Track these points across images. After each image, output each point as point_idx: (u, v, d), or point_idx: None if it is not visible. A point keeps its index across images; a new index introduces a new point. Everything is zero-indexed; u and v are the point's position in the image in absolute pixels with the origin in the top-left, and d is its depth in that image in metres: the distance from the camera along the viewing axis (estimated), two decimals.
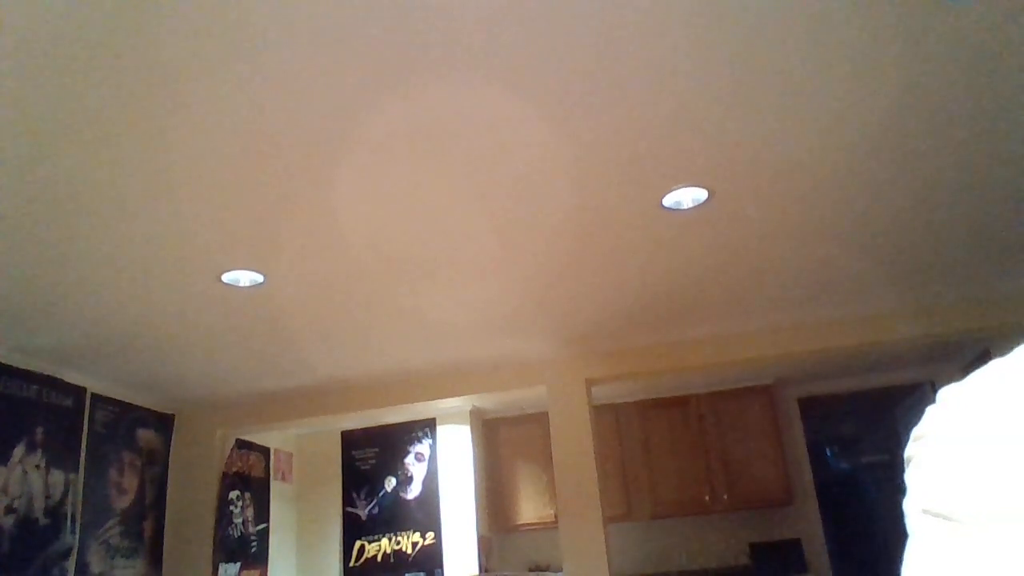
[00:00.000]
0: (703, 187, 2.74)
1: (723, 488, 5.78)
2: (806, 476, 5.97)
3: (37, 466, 3.85)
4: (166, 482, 4.92)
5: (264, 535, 5.58)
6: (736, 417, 5.93)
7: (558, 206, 2.81)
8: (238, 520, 5.25)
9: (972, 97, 2.31)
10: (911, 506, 0.52)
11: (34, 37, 1.75)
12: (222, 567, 4.96)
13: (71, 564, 4.02)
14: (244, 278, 3.17)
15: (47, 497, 3.90)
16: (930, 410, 0.54)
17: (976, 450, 0.48)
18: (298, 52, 1.87)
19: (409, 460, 5.87)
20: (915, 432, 0.54)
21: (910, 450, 0.54)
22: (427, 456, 5.84)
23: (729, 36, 1.95)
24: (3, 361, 3.73)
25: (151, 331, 3.69)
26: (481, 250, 3.13)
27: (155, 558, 4.73)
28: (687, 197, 2.80)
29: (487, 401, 5.65)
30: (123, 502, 4.50)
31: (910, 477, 0.53)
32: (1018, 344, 0.55)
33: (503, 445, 6.12)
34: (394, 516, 5.78)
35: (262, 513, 5.59)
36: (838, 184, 2.80)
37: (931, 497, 0.50)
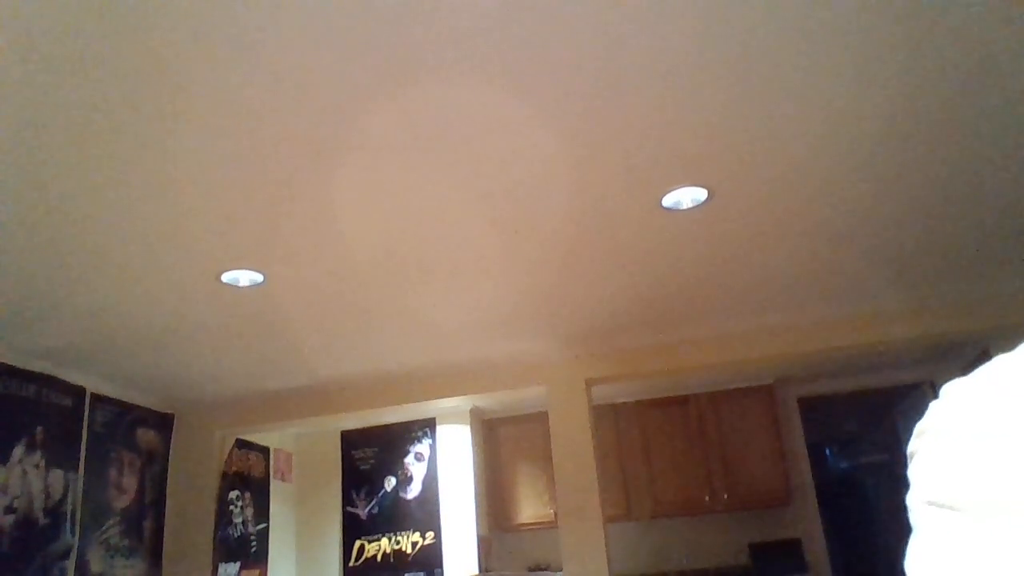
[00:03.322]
0: (703, 187, 2.74)
1: (723, 488, 5.78)
2: (806, 476, 5.96)
3: (37, 466, 3.85)
4: (166, 482, 4.92)
5: (264, 535, 5.58)
6: (736, 417, 5.93)
7: (558, 206, 2.81)
8: (238, 520, 5.25)
9: (972, 98, 2.31)
10: (915, 499, 0.52)
11: (33, 36, 1.74)
12: (222, 567, 4.96)
13: (71, 564, 4.02)
14: (244, 278, 3.17)
15: (47, 497, 3.89)
16: (934, 405, 0.54)
17: (980, 443, 0.48)
18: (299, 52, 1.87)
19: (409, 460, 5.87)
20: (918, 427, 0.54)
21: (913, 445, 0.54)
22: (427, 456, 5.84)
23: (730, 36, 1.95)
24: (2, 361, 3.73)
25: (151, 331, 3.69)
26: (481, 250, 3.13)
27: (155, 558, 4.73)
28: (687, 197, 2.80)
29: (487, 401, 5.65)
30: (123, 502, 4.50)
31: (914, 471, 0.53)
32: (1019, 343, 0.55)
33: (503, 445, 6.12)
34: (394, 516, 5.78)
35: (262, 513, 5.59)
36: (838, 184, 2.80)
37: (935, 488, 0.50)
